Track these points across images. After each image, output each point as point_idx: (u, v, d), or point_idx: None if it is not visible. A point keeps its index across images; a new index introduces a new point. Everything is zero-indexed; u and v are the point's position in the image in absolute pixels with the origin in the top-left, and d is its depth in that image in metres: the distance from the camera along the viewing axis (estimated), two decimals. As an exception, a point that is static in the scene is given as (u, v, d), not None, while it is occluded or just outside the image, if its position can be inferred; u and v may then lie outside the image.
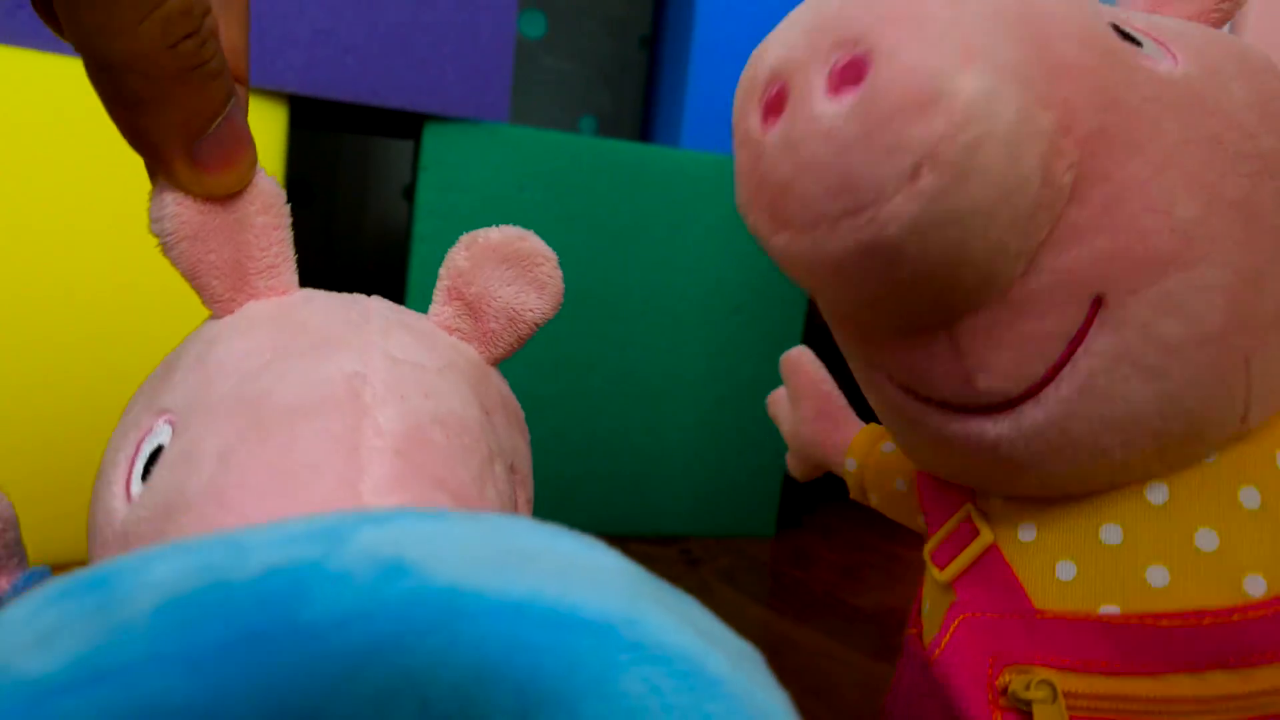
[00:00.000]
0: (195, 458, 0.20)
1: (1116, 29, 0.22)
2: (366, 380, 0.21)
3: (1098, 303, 0.20)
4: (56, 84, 0.52)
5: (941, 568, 0.25)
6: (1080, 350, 0.21)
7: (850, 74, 0.18)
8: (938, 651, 0.24)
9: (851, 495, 0.35)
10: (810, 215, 0.19)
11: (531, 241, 0.26)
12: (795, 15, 0.21)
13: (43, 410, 0.54)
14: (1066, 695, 0.21)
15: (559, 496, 0.73)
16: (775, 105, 0.20)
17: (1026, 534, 0.24)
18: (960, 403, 0.22)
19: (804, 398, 0.36)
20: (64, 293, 0.53)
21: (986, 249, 0.19)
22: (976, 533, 0.25)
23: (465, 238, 0.26)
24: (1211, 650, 0.20)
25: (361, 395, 0.20)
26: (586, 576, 0.12)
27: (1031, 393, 0.21)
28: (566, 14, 0.93)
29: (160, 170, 0.22)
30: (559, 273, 0.26)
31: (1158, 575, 0.22)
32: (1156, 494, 0.22)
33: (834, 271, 0.20)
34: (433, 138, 0.65)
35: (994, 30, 0.18)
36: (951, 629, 0.24)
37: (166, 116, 0.21)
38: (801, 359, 0.36)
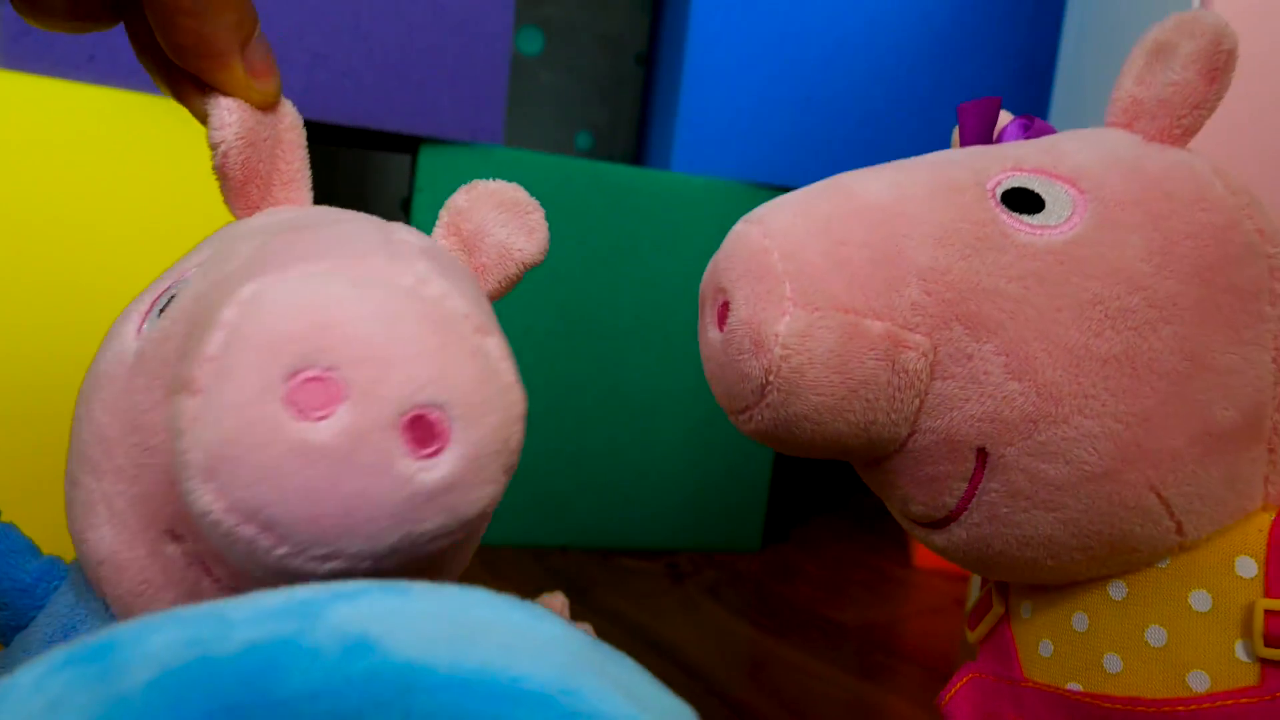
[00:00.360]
0: (226, 257, 0.22)
1: (1018, 193, 0.24)
2: (398, 243, 0.22)
3: (981, 452, 0.24)
4: (62, 108, 0.54)
5: (972, 628, 0.29)
6: (980, 488, 0.24)
7: (723, 313, 0.25)
8: (947, 698, 0.28)
9: None
10: (724, 406, 0.26)
11: (523, 193, 0.28)
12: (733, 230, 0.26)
13: (33, 413, 0.55)
14: None
15: (550, 511, 0.74)
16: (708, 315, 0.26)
17: (1026, 611, 0.27)
18: (911, 518, 0.27)
19: None
20: (59, 304, 0.55)
21: (852, 426, 0.24)
22: (993, 604, 0.28)
23: (465, 185, 0.28)
24: None
25: (392, 240, 0.22)
26: (531, 649, 0.14)
27: (953, 517, 0.25)
28: (564, 31, 0.95)
29: (220, 74, 0.25)
30: (545, 223, 0.28)
31: (1113, 662, 0.24)
32: (1117, 590, 0.25)
33: (762, 439, 0.25)
34: (428, 160, 0.66)
35: (825, 270, 0.23)
36: (960, 684, 0.28)
37: (225, 18, 0.25)
38: None
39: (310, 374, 0.18)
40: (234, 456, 0.18)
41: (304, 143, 0.28)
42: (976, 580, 0.68)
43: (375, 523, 0.18)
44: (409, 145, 0.73)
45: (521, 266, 0.28)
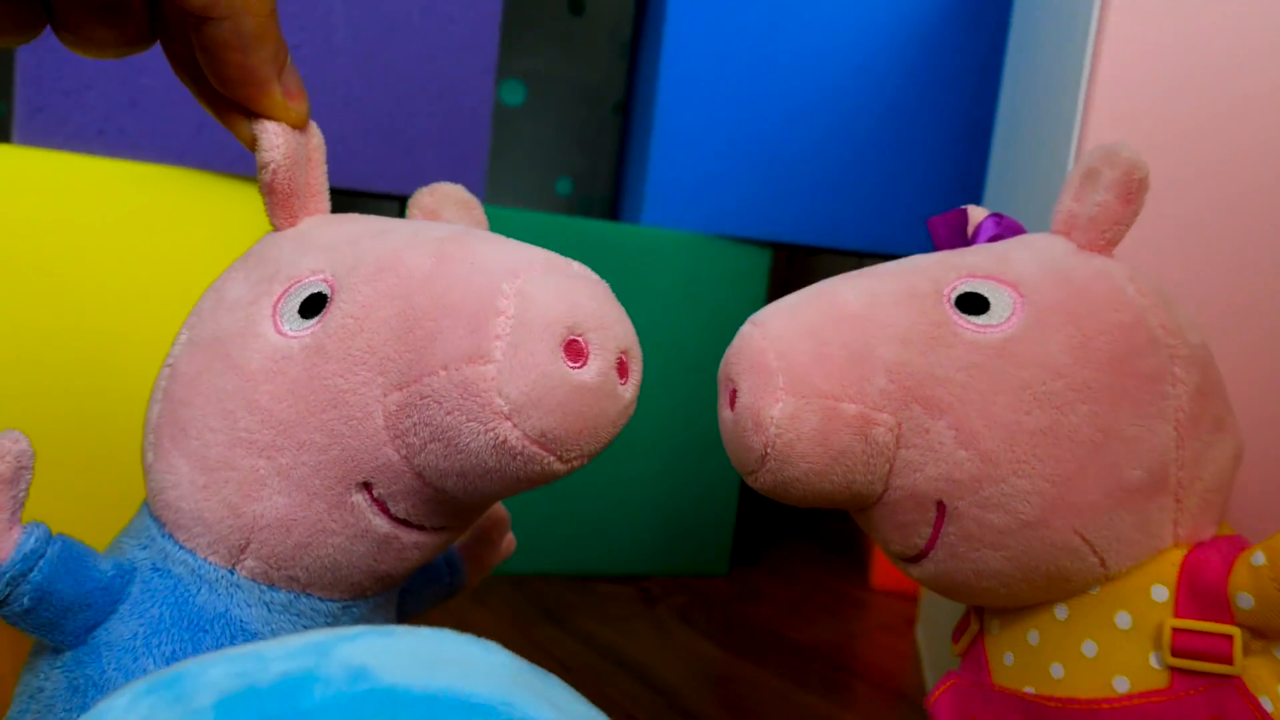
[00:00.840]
0: (352, 259, 0.28)
1: (969, 296, 0.30)
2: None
3: (939, 505, 0.30)
4: (74, 181, 0.59)
5: (955, 641, 0.35)
6: (941, 532, 0.30)
7: (732, 398, 0.31)
8: (933, 698, 0.34)
9: None
10: (737, 469, 0.32)
11: (468, 193, 0.35)
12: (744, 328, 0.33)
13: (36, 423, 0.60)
14: None
15: (530, 541, 0.80)
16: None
17: (995, 628, 0.33)
18: (891, 553, 0.33)
19: None
20: (73, 368, 0.60)
21: (836, 487, 0.30)
22: (971, 622, 0.34)
23: (427, 188, 0.35)
24: None
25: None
26: (482, 673, 0.19)
27: (923, 554, 0.31)
28: (545, 83, 1.00)
29: (263, 101, 0.29)
30: (485, 217, 0.35)
31: (1057, 670, 0.30)
32: (1060, 612, 0.31)
33: (766, 494, 0.32)
34: (416, 217, 0.72)
35: (810, 365, 0.30)
36: (944, 688, 0.34)
37: (266, 50, 0.28)
38: None
39: (571, 338, 0.26)
40: (535, 399, 0.26)
41: (323, 161, 0.32)
42: (927, 601, 0.74)
43: (608, 430, 0.28)
44: (395, 196, 0.78)
45: None
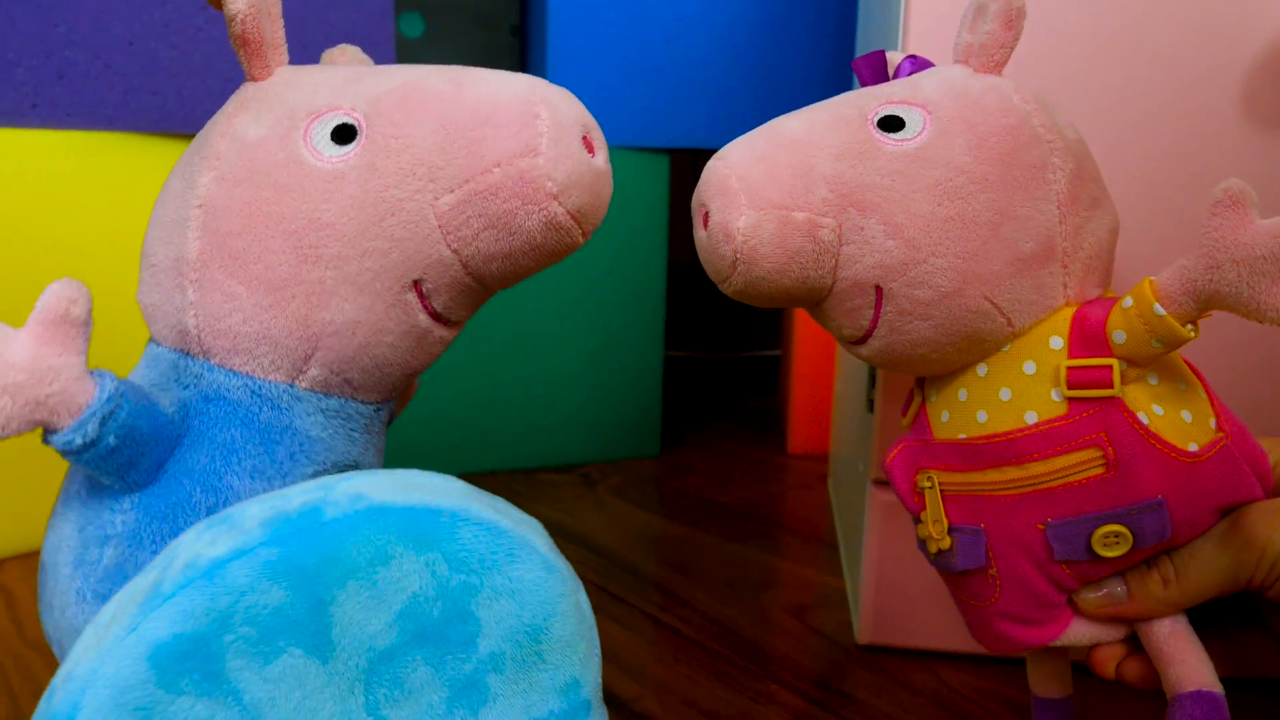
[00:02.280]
0: (372, 88, 0.33)
1: (887, 118, 0.37)
2: None
3: (877, 289, 0.36)
4: (17, 155, 0.63)
5: (903, 417, 0.42)
6: (880, 314, 0.36)
7: (705, 219, 0.37)
8: (889, 459, 0.40)
9: None
10: (713, 278, 0.38)
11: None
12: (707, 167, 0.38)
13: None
14: (941, 484, 0.38)
15: (476, 441, 0.88)
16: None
17: (933, 395, 0.40)
18: (844, 339, 0.39)
19: None
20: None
21: (794, 282, 0.36)
22: (914, 398, 0.41)
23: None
24: (1005, 454, 0.36)
25: None
26: (444, 492, 0.27)
27: (869, 334, 0.37)
28: (441, 12, 1.04)
29: None
30: None
31: (981, 416, 0.37)
32: (981, 370, 0.37)
33: (738, 298, 0.38)
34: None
35: (764, 183, 0.35)
36: (897, 450, 0.40)
37: None
38: None
39: (585, 134, 0.33)
40: (575, 181, 0.32)
41: (280, 14, 0.35)
42: (835, 458, 0.83)
43: (606, 205, 0.34)
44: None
45: None
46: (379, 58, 0.79)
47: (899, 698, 0.52)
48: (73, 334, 0.28)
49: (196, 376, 0.32)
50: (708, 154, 1.10)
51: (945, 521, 0.38)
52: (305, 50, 0.78)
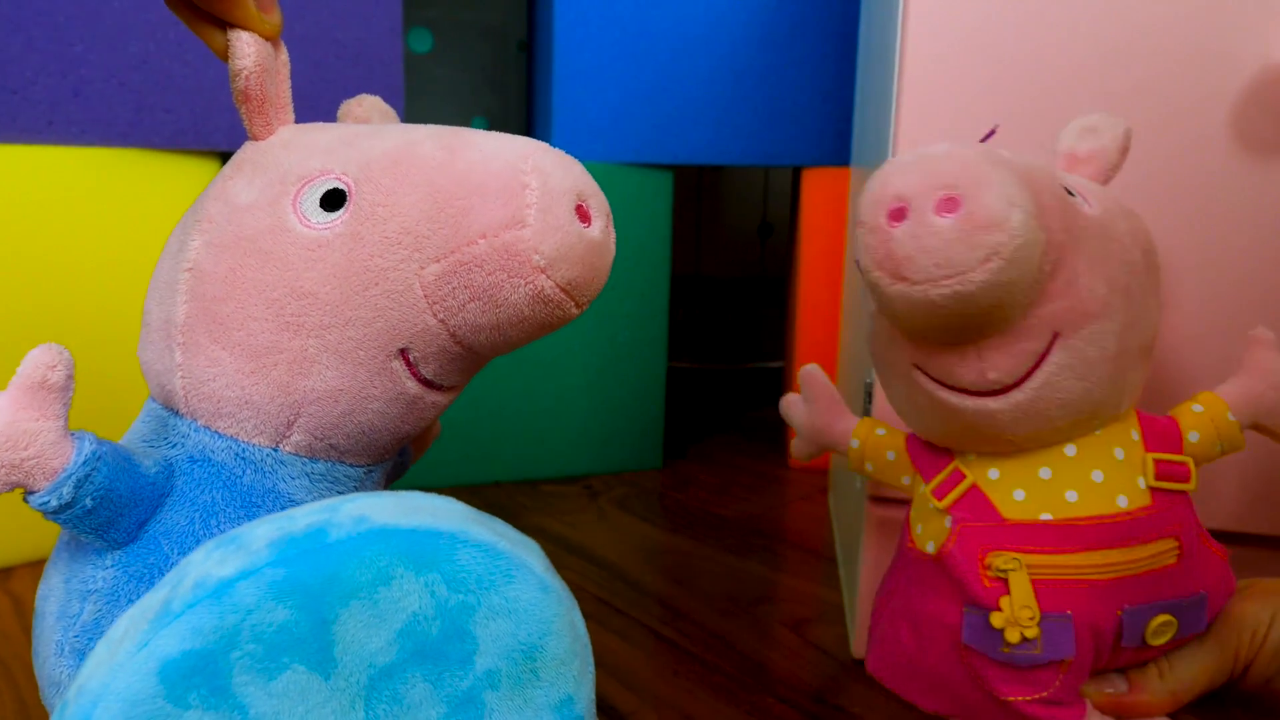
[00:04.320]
0: (365, 152, 0.32)
1: (1064, 187, 0.38)
2: None
3: (1055, 335, 0.35)
4: (35, 171, 0.64)
5: (941, 499, 0.39)
6: (1044, 362, 0.35)
7: (948, 204, 0.32)
8: (949, 547, 0.37)
9: (850, 467, 0.48)
10: (923, 275, 0.33)
11: (385, 104, 0.40)
12: (909, 161, 0.34)
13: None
14: (1027, 566, 0.36)
15: (482, 453, 0.89)
16: (898, 214, 0.33)
17: (994, 474, 0.38)
18: (975, 390, 0.36)
19: (817, 399, 0.48)
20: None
21: (1014, 299, 0.33)
22: (963, 476, 0.39)
23: (355, 99, 0.40)
24: (1107, 537, 0.36)
25: None
26: (445, 514, 0.28)
27: (1018, 384, 0.36)
28: (450, 28, 1.06)
29: (236, 12, 0.32)
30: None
31: (1071, 495, 0.37)
32: (1069, 450, 0.37)
33: (929, 308, 0.33)
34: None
35: (1021, 186, 0.32)
36: (956, 534, 0.37)
37: None
38: (815, 373, 0.49)
39: (579, 203, 0.31)
40: (563, 254, 0.30)
41: (289, 75, 0.35)
42: (835, 471, 0.84)
43: (605, 275, 0.33)
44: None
45: None
46: (388, 74, 0.80)
47: (894, 712, 0.52)
48: (50, 399, 0.28)
49: (183, 436, 0.33)
50: (711, 170, 1.11)
51: (1036, 608, 0.36)
52: (316, 69, 0.79)
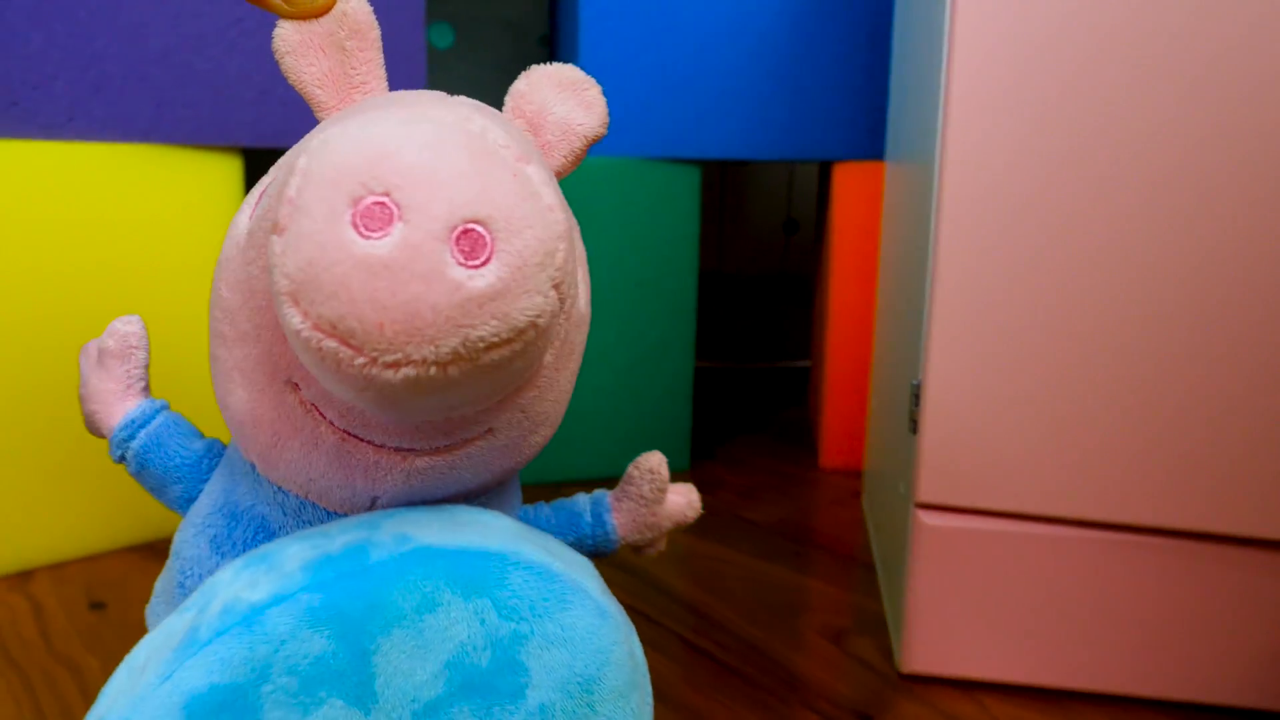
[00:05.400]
0: (320, 131, 0.25)
1: None
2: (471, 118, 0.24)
3: None
4: (57, 168, 0.63)
5: None
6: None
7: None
8: None
9: None
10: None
11: (579, 72, 0.31)
12: None
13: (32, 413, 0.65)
14: None
15: (505, 454, 0.87)
16: None
17: None
18: None
19: None
20: (60, 357, 0.65)
21: None
22: None
23: (525, 71, 0.31)
24: None
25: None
26: (492, 531, 0.26)
27: None
28: (471, 23, 1.04)
29: None
30: (603, 98, 0.31)
31: None
32: None
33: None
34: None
35: None
36: None
37: None
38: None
39: (370, 200, 0.21)
40: (312, 277, 0.21)
41: (374, 47, 0.29)
42: (870, 473, 0.82)
43: (434, 326, 0.21)
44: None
45: (584, 140, 0.30)
46: (410, 69, 0.78)
47: (943, 730, 0.50)
48: (111, 364, 0.31)
49: None
50: (735, 165, 1.09)
51: None
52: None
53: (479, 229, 0.21)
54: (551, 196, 0.23)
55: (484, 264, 0.21)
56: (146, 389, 0.33)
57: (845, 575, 0.71)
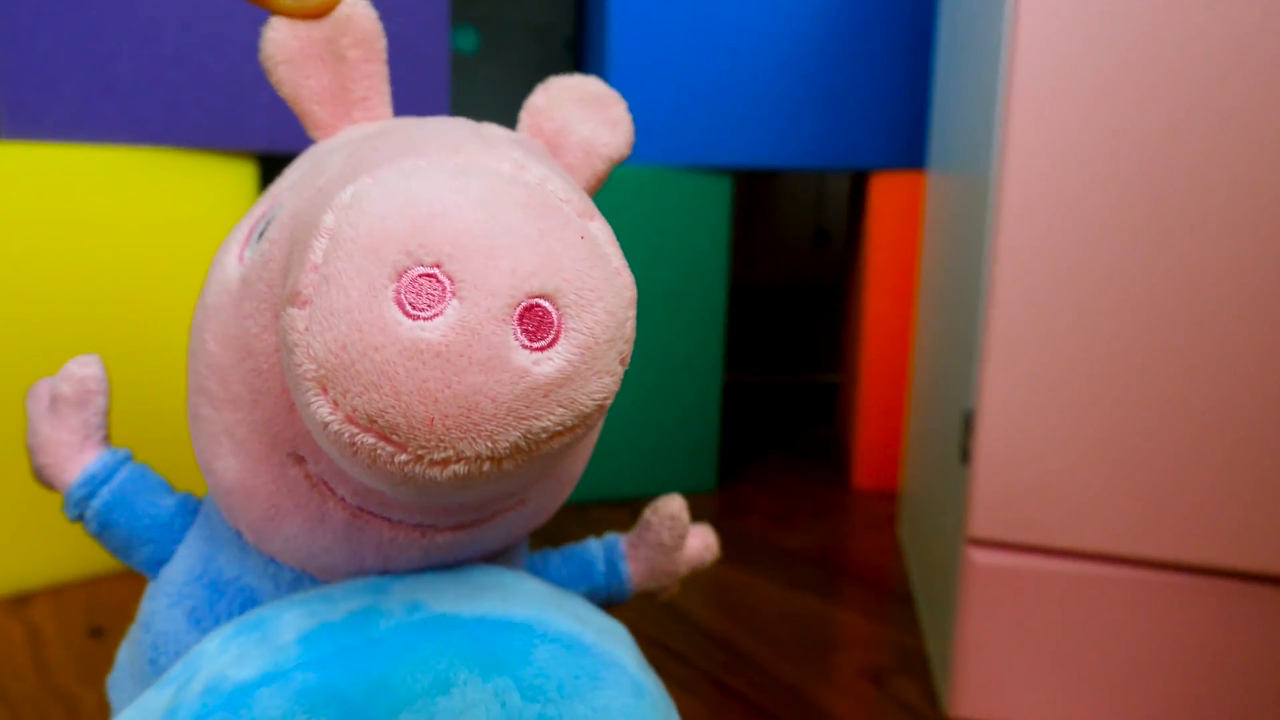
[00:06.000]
0: (319, 171, 0.21)
1: None
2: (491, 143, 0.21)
3: None
4: (68, 170, 0.61)
5: None
6: None
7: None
8: None
9: None
10: None
11: (603, 86, 0.27)
12: None
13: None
14: None
15: (525, 473, 0.83)
16: None
17: None
18: None
19: None
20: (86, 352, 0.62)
21: None
22: None
23: (542, 84, 0.28)
24: None
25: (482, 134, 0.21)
26: (516, 597, 0.22)
27: None
28: (496, 27, 1.01)
29: None
30: (629, 115, 0.27)
31: None
32: None
33: None
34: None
35: None
36: None
37: None
38: None
39: (417, 272, 0.18)
40: (347, 363, 0.17)
41: (379, 59, 0.26)
42: (907, 498, 0.78)
43: (494, 421, 0.18)
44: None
45: (609, 162, 0.27)
46: (433, 73, 0.75)
47: (996, 787, 0.47)
48: (66, 412, 0.27)
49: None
50: (771, 174, 1.05)
51: None
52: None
53: (545, 304, 0.18)
54: (618, 257, 0.20)
55: (550, 345, 0.18)
56: (106, 438, 0.28)
57: (882, 608, 0.67)
